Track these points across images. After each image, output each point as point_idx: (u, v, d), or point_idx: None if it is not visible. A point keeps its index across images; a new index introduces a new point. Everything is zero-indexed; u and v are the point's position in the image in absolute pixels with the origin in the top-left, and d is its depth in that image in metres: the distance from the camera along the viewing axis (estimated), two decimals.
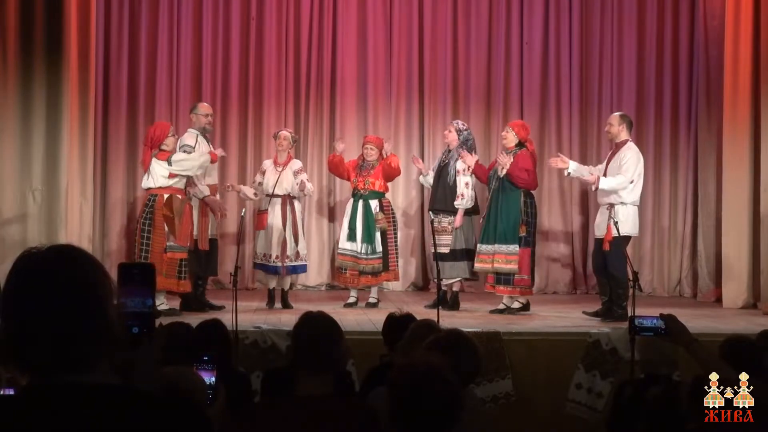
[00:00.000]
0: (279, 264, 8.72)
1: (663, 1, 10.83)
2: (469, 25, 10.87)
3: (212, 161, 8.45)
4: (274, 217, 8.71)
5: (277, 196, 8.75)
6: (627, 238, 8.21)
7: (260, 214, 8.87)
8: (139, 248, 8.01)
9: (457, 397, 2.87)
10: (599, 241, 8.29)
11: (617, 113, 8.66)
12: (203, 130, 8.66)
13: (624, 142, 8.28)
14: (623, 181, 8.09)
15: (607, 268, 8.13)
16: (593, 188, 8.24)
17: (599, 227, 8.29)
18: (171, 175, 8.03)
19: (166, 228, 7.94)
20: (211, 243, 8.63)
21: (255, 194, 8.98)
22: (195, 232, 8.24)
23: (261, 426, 3.11)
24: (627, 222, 8.08)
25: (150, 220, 7.93)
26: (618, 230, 7.78)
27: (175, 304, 8.20)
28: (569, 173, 8.44)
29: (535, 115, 10.75)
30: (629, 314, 7.19)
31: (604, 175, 8.23)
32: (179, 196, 8.06)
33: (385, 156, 8.86)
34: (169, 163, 8.01)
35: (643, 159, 8.15)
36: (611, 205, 8.13)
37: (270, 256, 8.71)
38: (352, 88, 10.77)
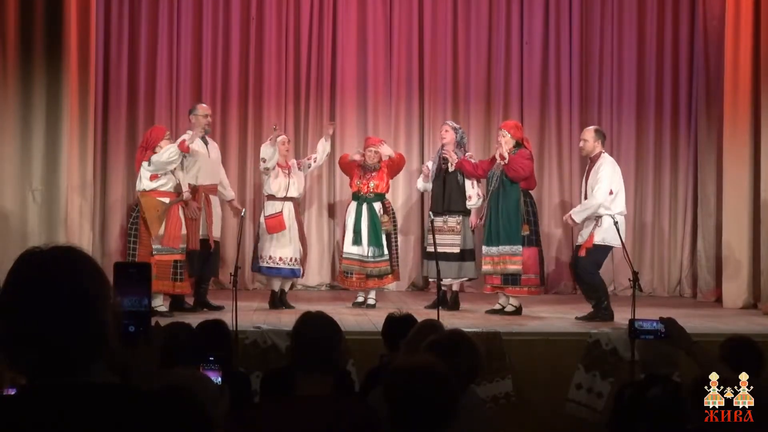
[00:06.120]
0: (298, 267, 8.73)
1: (663, 1, 10.83)
2: (469, 25, 10.86)
3: (181, 150, 8.08)
4: (291, 219, 8.70)
5: (290, 199, 8.74)
6: (607, 249, 8.23)
7: (274, 217, 8.63)
8: (126, 251, 8.09)
9: (451, 397, 2.88)
10: (579, 249, 8.32)
11: (591, 127, 8.66)
12: (203, 130, 8.64)
13: (598, 155, 8.32)
14: (600, 194, 8.11)
15: (578, 275, 8.22)
16: (572, 224, 8.48)
17: (582, 236, 8.35)
18: (152, 177, 8.01)
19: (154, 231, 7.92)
20: (204, 244, 8.46)
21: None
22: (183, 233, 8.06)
23: (261, 426, 3.10)
24: (608, 232, 8.03)
25: (136, 223, 7.99)
26: (621, 236, 7.79)
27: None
28: (577, 223, 8.47)
29: (535, 115, 10.75)
30: (630, 316, 7.19)
31: (585, 191, 8.30)
32: (163, 199, 8.00)
33: (389, 157, 8.88)
34: (149, 164, 8.02)
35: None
36: (598, 217, 8.16)
37: (290, 259, 8.65)
38: (352, 88, 10.76)
